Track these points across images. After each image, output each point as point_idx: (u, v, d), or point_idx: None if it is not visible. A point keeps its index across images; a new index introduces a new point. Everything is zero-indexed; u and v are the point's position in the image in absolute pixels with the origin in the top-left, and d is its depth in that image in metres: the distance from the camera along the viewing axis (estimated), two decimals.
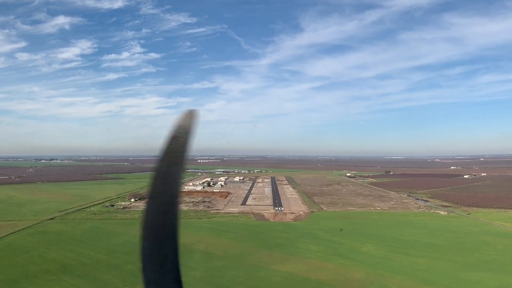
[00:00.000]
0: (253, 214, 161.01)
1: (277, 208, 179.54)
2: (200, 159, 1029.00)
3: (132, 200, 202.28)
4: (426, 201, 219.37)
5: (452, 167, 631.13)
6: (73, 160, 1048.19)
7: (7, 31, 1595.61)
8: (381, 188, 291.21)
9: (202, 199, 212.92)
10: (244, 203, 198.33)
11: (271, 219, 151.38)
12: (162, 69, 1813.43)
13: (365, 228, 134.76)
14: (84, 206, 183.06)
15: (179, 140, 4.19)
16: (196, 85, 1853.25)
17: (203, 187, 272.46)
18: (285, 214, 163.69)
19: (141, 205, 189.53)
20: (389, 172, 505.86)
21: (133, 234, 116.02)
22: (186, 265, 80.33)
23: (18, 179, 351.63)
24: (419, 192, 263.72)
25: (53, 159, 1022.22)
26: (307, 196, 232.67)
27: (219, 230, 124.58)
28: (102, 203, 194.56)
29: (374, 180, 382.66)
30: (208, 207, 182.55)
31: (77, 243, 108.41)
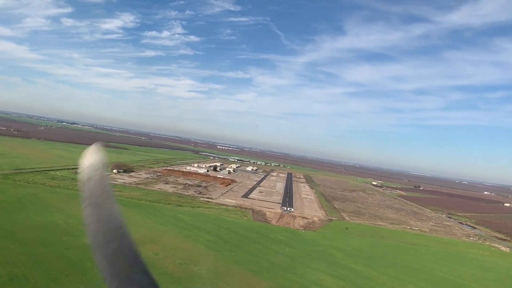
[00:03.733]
0: (252, 211, 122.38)
1: (285, 208, 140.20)
2: (219, 146, 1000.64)
3: (115, 171, 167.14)
4: (473, 227, 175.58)
5: (485, 192, 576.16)
6: (93, 127, 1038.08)
7: None
8: (412, 202, 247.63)
9: (198, 182, 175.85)
10: (246, 195, 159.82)
11: (274, 222, 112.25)
12: (199, 53, 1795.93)
13: (403, 257, 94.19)
14: (53, 168, 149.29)
15: (92, 180, 3.53)
16: (230, 74, 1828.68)
17: (207, 171, 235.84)
18: (294, 217, 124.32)
19: (121, 177, 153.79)
20: (419, 186, 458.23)
21: (69, 213, 79.63)
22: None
23: (16, 132, 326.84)
24: (459, 214, 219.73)
25: (74, 123, 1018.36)
26: (325, 199, 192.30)
27: (193, 227, 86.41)
28: (77, 168, 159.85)
29: (403, 193, 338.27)
30: (200, 193, 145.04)
31: None
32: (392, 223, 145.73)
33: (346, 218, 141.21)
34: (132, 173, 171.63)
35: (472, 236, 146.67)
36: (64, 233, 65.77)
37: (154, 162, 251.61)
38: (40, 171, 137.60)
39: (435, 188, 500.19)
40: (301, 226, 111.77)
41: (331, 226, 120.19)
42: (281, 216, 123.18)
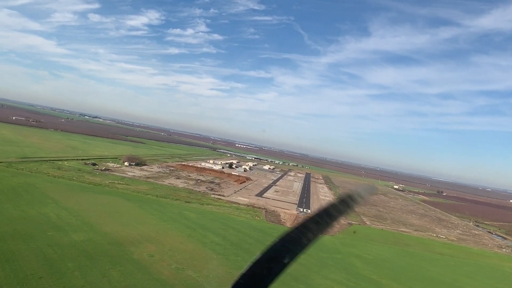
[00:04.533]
0: (265, 211, 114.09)
1: (301, 209, 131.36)
2: (238, 144, 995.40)
3: (126, 163, 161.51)
4: (504, 238, 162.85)
5: (511, 201, 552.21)
6: (115, 121, 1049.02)
7: None
8: (437, 208, 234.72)
9: (212, 179, 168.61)
10: (261, 194, 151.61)
11: (288, 224, 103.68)
12: (222, 51, 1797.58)
13: (431, 268, 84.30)
14: (62, 158, 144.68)
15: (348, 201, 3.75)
16: (252, 73, 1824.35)
17: (222, 167, 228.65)
18: None
19: (131, 170, 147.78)
20: (442, 192, 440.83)
21: (65, 205, 73.20)
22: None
23: (34, 122, 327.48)
24: (486, 223, 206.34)
25: (96, 117, 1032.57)
26: None
27: (199, 226, 78.70)
28: (88, 159, 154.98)
29: (426, 198, 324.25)
30: (212, 189, 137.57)
31: None
32: (416, 230, 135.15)
33: (367, 222, 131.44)
34: (144, 167, 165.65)
35: (505, 248, 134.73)
36: (52, 227, 58.94)
37: (169, 157, 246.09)
38: (48, 160, 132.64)
39: (458, 194, 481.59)
40: None
41: (351, 231, 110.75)
42: (297, 217, 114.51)
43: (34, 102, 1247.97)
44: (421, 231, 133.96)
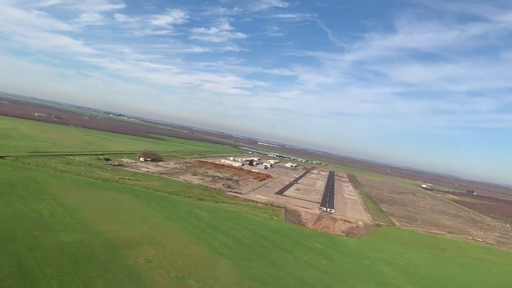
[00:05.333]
0: (285, 210, 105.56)
1: (324, 209, 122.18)
2: (260, 142, 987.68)
3: (141, 159, 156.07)
4: None
5: None
6: (139, 120, 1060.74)
7: None
8: (469, 209, 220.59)
9: (230, 176, 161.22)
10: (281, 192, 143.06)
11: (309, 224, 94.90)
12: (245, 49, 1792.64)
13: (471, 277, 74.09)
14: (75, 153, 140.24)
15: None
16: (275, 71, 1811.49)
17: (242, 164, 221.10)
18: (334, 220, 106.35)
19: (145, 166, 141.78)
20: (472, 192, 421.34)
21: (62, 201, 66.90)
22: None
23: (56, 119, 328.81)
24: None
25: (121, 115, 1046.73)
26: (371, 201, 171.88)
27: (209, 226, 71.00)
28: (102, 154, 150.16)
29: (456, 197, 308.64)
30: (229, 186, 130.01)
31: None
32: (450, 232, 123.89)
33: (396, 223, 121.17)
34: (160, 163, 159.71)
35: None
36: (41, 227, 52.28)
37: (188, 153, 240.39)
38: (59, 155, 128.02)
39: (489, 194, 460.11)
40: (342, 232, 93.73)
41: (379, 233, 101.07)
42: (319, 217, 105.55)
43: (61, 101, 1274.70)
44: (456, 234, 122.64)
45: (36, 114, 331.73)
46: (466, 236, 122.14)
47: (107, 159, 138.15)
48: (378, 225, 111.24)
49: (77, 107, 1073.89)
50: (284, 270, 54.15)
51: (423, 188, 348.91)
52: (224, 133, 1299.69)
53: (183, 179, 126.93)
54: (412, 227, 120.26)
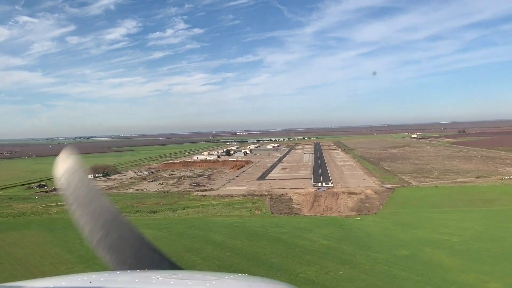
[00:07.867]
0: (270, 198, 79.65)
1: (319, 184, 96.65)
2: (240, 132, 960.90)
3: (89, 176, 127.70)
4: None
5: None
6: (111, 137, 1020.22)
7: (56, 15, 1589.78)
8: (474, 147, 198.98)
9: (201, 172, 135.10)
10: (263, 176, 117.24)
11: (305, 210, 69.07)
12: (206, 44, 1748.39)
13: None
14: (3, 186, 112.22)
15: (73, 183, 3.87)
16: (240, 59, 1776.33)
17: (218, 156, 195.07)
18: (335, 195, 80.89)
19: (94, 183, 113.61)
20: (464, 131, 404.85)
21: None
22: None
23: (8, 154, 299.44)
24: None
25: (92, 137, 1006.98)
26: (369, 162, 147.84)
27: None
28: (40, 181, 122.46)
29: (452, 139, 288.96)
30: (197, 185, 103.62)
31: None
32: (478, 176, 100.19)
33: (411, 181, 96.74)
34: (114, 176, 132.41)
35: None
36: None
37: (156, 159, 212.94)
38: None
39: (481, 130, 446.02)
40: (351, 210, 68.35)
41: (397, 200, 76.09)
42: (316, 197, 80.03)
43: (30, 137, 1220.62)
44: (486, 177, 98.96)
45: None
46: (500, 176, 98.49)
47: (41, 186, 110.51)
48: (391, 189, 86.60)
49: (47, 139, 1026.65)
50: None
51: (415, 138, 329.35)
52: (203, 132, 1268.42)
53: (137, 189, 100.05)
54: (431, 181, 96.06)
